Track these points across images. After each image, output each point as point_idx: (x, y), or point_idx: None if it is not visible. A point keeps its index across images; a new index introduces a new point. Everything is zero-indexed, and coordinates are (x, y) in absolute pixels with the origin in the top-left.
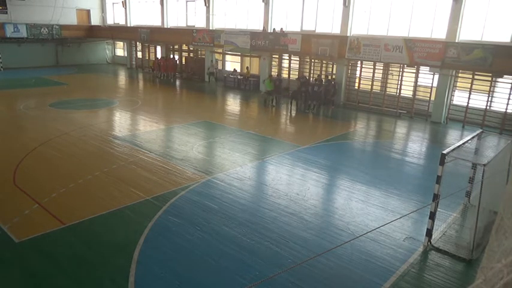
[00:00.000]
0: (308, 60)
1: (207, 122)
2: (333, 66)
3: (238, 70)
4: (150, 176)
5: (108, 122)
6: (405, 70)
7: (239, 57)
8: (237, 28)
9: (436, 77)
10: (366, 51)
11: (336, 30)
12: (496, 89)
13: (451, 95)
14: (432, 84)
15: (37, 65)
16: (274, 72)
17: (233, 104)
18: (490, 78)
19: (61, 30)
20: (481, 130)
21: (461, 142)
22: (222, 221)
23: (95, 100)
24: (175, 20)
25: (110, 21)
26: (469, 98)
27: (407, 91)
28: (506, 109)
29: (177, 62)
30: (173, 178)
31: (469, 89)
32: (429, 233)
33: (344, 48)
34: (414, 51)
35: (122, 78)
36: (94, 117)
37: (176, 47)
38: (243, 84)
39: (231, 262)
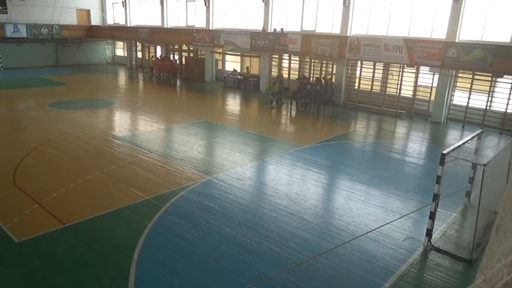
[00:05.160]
0: (308, 60)
1: (207, 122)
2: (333, 66)
3: (238, 70)
4: (150, 176)
5: (108, 122)
6: (405, 70)
7: (239, 57)
8: (237, 28)
9: (436, 77)
10: (366, 51)
11: (336, 30)
12: (496, 89)
13: (451, 95)
14: (432, 84)
15: (37, 65)
16: (284, 73)
17: (233, 104)
18: (490, 78)
19: (61, 30)
20: (481, 130)
21: (461, 142)
22: (222, 221)
23: (94, 100)
24: (175, 20)
25: (110, 21)
26: (469, 98)
27: (407, 91)
28: (506, 109)
29: (177, 62)
30: (173, 178)
31: (469, 89)
32: (429, 233)
33: (344, 48)
34: (414, 51)
35: (122, 78)
36: (94, 117)
37: (176, 47)
38: (243, 84)
39: (231, 262)
